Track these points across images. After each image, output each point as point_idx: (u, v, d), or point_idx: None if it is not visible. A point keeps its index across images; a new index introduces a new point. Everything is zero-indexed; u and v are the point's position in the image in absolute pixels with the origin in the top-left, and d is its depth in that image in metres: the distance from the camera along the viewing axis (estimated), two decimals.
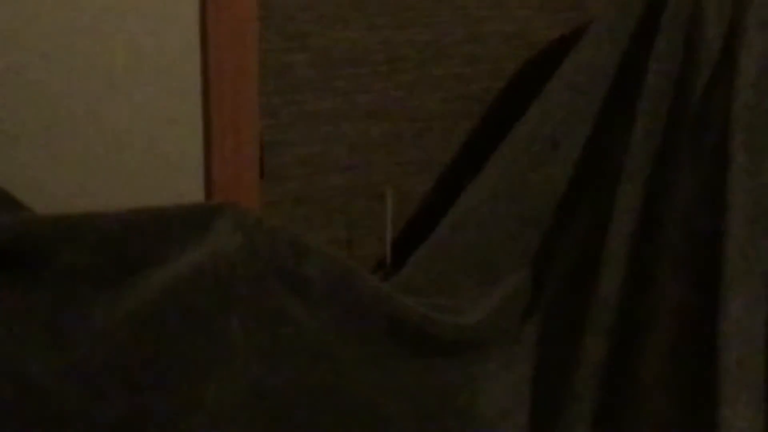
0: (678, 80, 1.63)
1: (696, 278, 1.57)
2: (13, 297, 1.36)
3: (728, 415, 1.47)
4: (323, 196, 1.76)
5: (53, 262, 1.38)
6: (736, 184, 1.52)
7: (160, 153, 1.61)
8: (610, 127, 1.70)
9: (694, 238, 1.59)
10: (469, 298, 1.72)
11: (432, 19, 1.75)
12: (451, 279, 1.73)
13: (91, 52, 1.53)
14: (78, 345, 1.39)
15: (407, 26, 1.74)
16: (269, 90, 1.66)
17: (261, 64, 1.62)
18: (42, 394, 1.36)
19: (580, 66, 1.69)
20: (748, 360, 1.49)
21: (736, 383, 1.48)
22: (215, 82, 1.58)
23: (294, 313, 1.56)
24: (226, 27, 1.57)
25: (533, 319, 1.74)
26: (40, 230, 1.38)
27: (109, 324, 1.41)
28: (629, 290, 1.63)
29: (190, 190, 1.65)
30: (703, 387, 1.52)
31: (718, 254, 1.51)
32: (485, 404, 1.70)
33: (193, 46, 1.57)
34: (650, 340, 1.62)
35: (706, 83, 1.59)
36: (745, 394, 1.48)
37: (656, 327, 1.61)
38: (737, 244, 1.50)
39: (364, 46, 1.73)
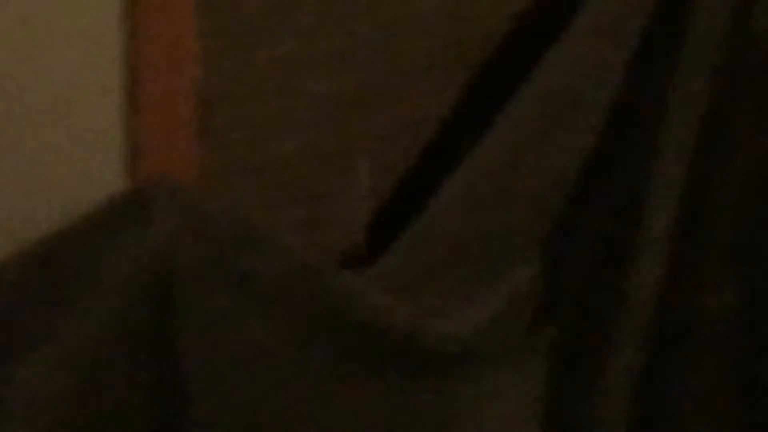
0: (735, 16, 1.51)
1: (756, 275, 1.50)
2: None
3: None
4: (278, 165, 1.60)
5: None
6: None
7: (67, 110, 1.49)
8: (647, 79, 1.54)
9: (755, 224, 1.50)
10: (465, 298, 1.54)
11: None
12: (442, 273, 1.55)
13: None
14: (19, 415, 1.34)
15: None
16: (210, 29, 1.52)
17: None
18: None
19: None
20: None
21: None
22: (141, 18, 1.47)
23: (244, 319, 1.43)
24: None
25: (547, 325, 1.56)
26: None
27: (46, 386, 1.35)
28: (671, 288, 1.51)
29: (106, 159, 1.53)
30: (757, 409, 1.50)
31: None
32: None
33: None
34: (696, 351, 1.53)
35: None
36: None
37: (704, 334, 1.52)
38: None
39: None
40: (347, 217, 1.63)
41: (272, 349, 1.44)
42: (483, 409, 1.54)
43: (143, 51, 1.48)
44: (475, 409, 1.53)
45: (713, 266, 1.52)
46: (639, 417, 1.55)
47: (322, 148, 1.61)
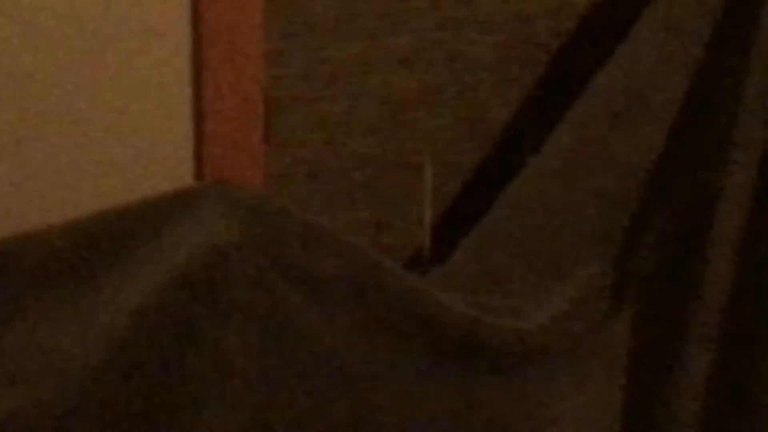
0: None
1: None
2: None
3: None
4: (345, 167, 1.58)
5: None
6: None
7: (135, 112, 1.47)
8: (716, 79, 1.51)
9: None
10: (532, 297, 1.53)
11: None
12: (508, 272, 1.54)
13: None
14: (42, 381, 1.31)
15: None
16: (277, 31, 1.49)
17: None
18: None
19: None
20: None
21: None
22: (208, 20, 1.44)
23: (306, 321, 1.41)
24: None
25: (615, 324, 1.55)
26: None
27: (79, 354, 1.33)
28: (744, 288, 1.50)
29: (174, 160, 1.51)
30: None
31: None
32: None
33: None
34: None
35: None
36: None
37: None
38: None
39: None
40: (412, 219, 1.60)
41: (336, 349, 1.42)
42: (551, 407, 1.52)
43: (210, 52, 1.45)
44: (542, 408, 1.52)
45: None
46: (713, 414, 1.53)
47: (388, 150, 1.58)
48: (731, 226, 1.48)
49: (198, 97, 1.46)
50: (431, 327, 1.45)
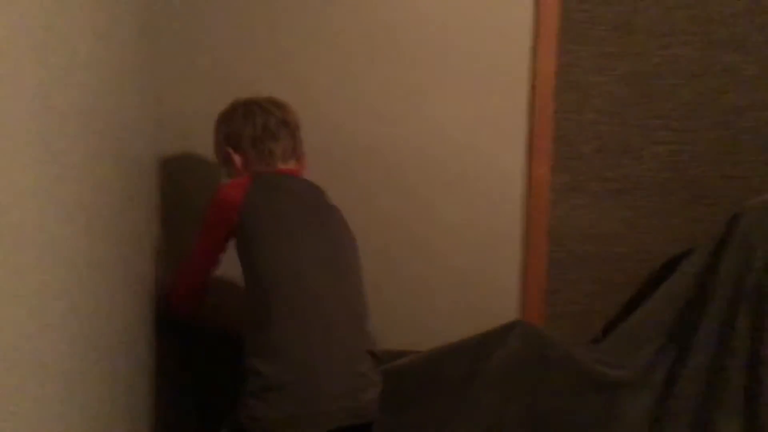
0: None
1: None
2: None
3: None
4: None
5: None
6: None
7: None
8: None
9: None
10: (631, 359, 2.55)
11: None
12: (630, 344, 2.57)
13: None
14: None
15: None
16: None
17: None
18: None
19: None
20: None
21: None
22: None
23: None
24: None
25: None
26: None
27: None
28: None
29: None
30: None
31: None
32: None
33: None
34: None
35: None
36: None
37: None
38: None
39: None
40: None
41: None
42: (620, 413, 2.49)
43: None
44: (612, 413, 2.48)
45: None
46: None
47: None
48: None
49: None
50: (583, 371, 2.42)
